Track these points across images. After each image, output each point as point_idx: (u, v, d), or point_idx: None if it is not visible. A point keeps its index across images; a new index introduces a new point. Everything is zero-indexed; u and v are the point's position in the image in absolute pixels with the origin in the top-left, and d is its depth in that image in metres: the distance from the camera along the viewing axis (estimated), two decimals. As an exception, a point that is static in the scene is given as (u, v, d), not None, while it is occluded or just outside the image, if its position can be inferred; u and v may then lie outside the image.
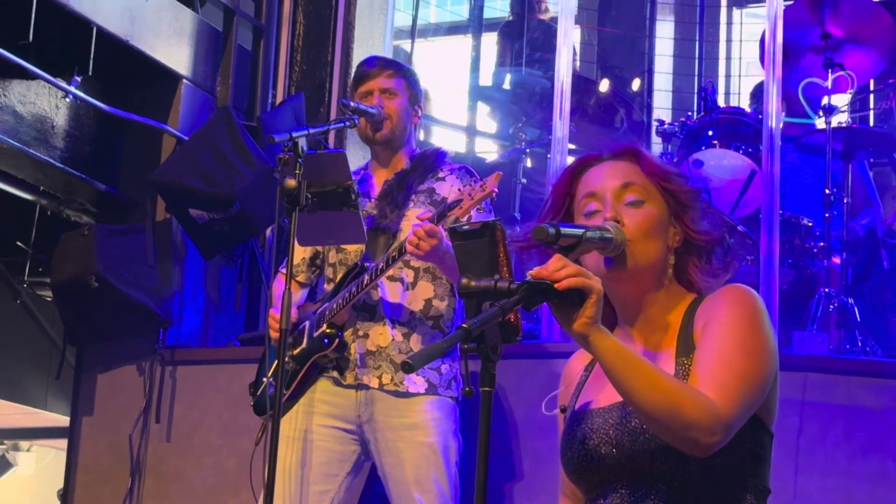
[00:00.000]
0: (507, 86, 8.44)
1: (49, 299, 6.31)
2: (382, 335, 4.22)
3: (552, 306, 2.22)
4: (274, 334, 3.97)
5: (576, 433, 2.48)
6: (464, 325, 2.05)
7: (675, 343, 2.46)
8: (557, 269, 2.19)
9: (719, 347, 2.36)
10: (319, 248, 4.49)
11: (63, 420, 6.97)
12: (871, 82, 7.41)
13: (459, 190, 3.96)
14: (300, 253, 4.43)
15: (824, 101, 6.42)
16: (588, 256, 2.43)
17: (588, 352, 2.27)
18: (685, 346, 2.43)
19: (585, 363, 2.65)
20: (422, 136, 8.25)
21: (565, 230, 2.28)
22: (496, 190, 3.79)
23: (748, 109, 6.98)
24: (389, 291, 4.25)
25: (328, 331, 4.18)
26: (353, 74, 4.71)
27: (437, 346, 2.05)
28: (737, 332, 2.37)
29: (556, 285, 2.18)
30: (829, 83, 6.41)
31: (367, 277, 4.07)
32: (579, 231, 2.32)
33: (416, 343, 4.23)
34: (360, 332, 4.23)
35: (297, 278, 4.50)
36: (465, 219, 4.08)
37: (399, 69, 4.50)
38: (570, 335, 2.24)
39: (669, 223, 2.51)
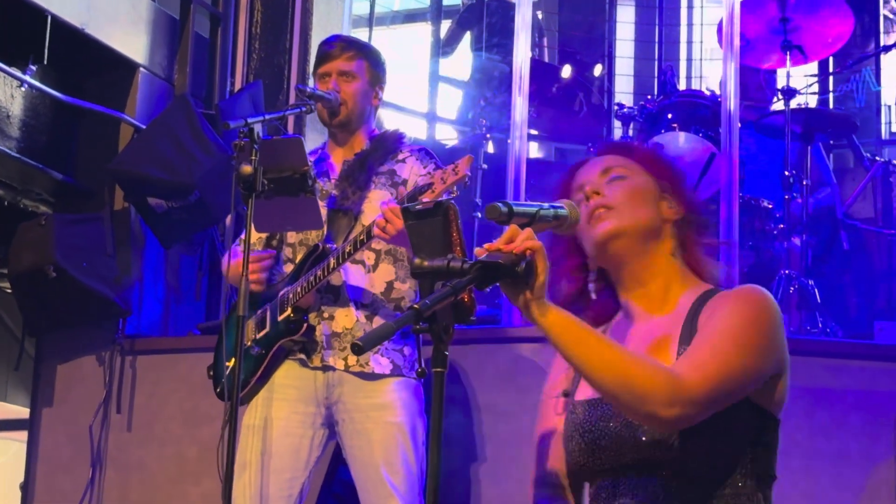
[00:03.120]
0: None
1: (7, 290, 6.26)
2: (347, 317, 4.19)
3: (503, 285, 2.20)
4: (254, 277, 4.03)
5: (578, 423, 2.48)
6: (415, 306, 2.03)
7: (679, 329, 2.45)
8: (507, 241, 2.18)
9: (709, 334, 2.35)
10: None
11: (23, 411, 6.93)
12: (831, 65, 7.45)
13: (430, 173, 3.89)
14: (255, 233, 4.33)
15: (781, 83, 6.45)
16: (580, 230, 2.48)
17: (535, 326, 2.24)
18: (689, 334, 2.42)
19: None
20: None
21: (518, 208, 2.26)
22: (469, 174, 3.68)
23: (707, 93, 6.99)
24: (352, 274, 4.22)
25: (293, 316, 4.15)
26: (315, 53, 4.66)
27: (388, 326, 2.03)
28: (733, 325, 2.36)
29: (511, 247, 2.16)
30: (787, 66, 6.43)
31: (332, 261, 4.01)
32: (532, 209, 2.30)
33: (379, 324, 4.19)
34: (326, 315, 4.20)
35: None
36: None
37: (360, 50, 4.44)
38: (521, 311, 2.23)
39: (661, 196, 2.55)
